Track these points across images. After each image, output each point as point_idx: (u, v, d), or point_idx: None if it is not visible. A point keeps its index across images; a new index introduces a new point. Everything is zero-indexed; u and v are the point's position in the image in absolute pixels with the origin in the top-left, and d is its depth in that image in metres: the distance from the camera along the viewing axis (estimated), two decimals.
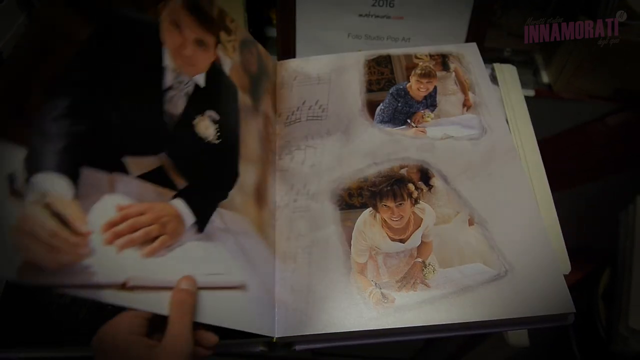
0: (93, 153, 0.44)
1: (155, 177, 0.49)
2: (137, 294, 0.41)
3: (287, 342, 0.54)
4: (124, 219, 0.43)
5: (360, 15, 0.85)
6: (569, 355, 1.05)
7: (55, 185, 0.39)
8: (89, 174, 0.42)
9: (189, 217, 0.50)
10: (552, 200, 0.64)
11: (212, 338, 0.45)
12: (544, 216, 0.60)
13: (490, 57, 0.88)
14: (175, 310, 0.42)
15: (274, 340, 0.52)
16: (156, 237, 0.45)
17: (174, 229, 0.48)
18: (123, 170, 0.47)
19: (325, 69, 0.74)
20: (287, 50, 0.87)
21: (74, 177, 0.41)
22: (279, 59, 0.78)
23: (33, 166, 0.39)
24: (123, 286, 0.40)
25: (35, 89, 0.42)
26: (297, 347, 0.54)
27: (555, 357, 1.10)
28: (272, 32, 0.96)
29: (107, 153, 0.46)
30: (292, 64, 0.76)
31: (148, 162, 0.49)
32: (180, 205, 0.50)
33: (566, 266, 0.59)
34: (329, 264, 0.56)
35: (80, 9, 0.47)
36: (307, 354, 0.99)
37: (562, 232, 0.61)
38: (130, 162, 0.47)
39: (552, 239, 0.58)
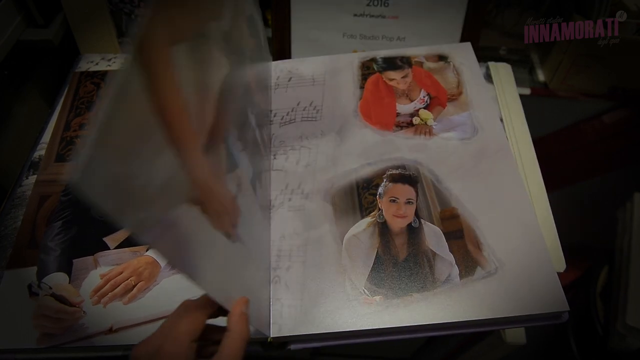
0: (80, 247, 0.60)
1: (130, 241, 0.60)
2: (121, 333, 0.53)
3: (282, 342, 0.54)
4: (106, 282, 0.56)
5: (355, 15, 0.85)
6: (567, 353, 1.05)
7: (56, 280, 0.57)
8: (79, 262, 0.59)
9: (162, 259, 0.58)
10: (546, 199, 0.65)
11: None
12: (538, 214, 0.61)
13: (485, 55, 0.88)
14: (238, 326, 0.40)
15: (269, 340, 0.52)
16: (135, 286, 0.56)
17: (150, 274, 0.57)
18: (104, 247, 0.60)
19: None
20: (282, 50, 0.87)
21: (68, 269, 0.58)
22: (274, 59, 0.79)
23: (41, 274, 0.57)
24: (110, 330, 0.53)
25: (40, 223, 0.62)
26: (292, 347, 0.54)
27: (553, 355, 1.10)
28: (268, 33, 0.96)
29: (90, 242, 0.60)
30: (287, 64, 0.76)
31: (122, 234, 0.61)
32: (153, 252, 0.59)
33: (561, 264, 0.59)
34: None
35: None
36: (305, 354, 0.99)
37: (560, 230, 0.61)
38: (109, 239, 0.61)
39: (546, 237, 0.58)
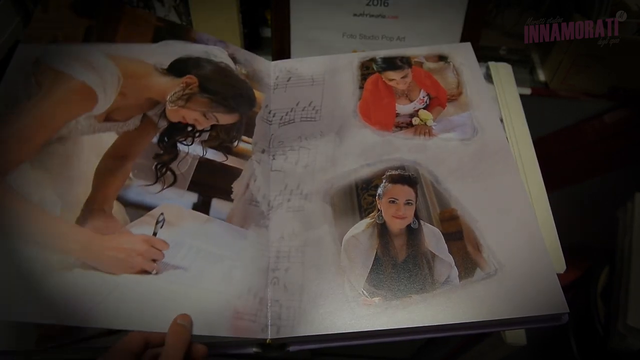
0: None
1: None
2: (121, 335, 0.51)
3: (281, 343, 0.54)
4: None
5: (355, 14, 0.85)
6: (567, 353, 1.04)
7: None
8: None
9: None
10: (546, 199, 0.64)
11: (202, 349, 0.48)
12: (538, 215, 0.61)
13: (486, 55, 0.88)
14: (171, 340, 0.46)
15: (268, 341, 0.52)
16: None
17: None
18: None
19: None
20: (282, 50, 0.87)
21: None
22: (273, 59, 0.79)
23: None
24: (109, 332, 0.51)
25: None
26: (291, 348, 0.54)
27: (554, 355, 1.10)
28: (268, 32, 0.96)
29: None
30: (286, 64, 0.76)
31: None
32: None
33: (561, 265, 0.59)
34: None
35: None
36: (306, 354, 0.99)
37: (560, 230, 0.61)
38: None
39: (546, 237, 0.58)
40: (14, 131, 0.51)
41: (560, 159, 1.04)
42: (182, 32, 0.71)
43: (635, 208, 0.99)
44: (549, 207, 0.64)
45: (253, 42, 0.94)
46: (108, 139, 0.59)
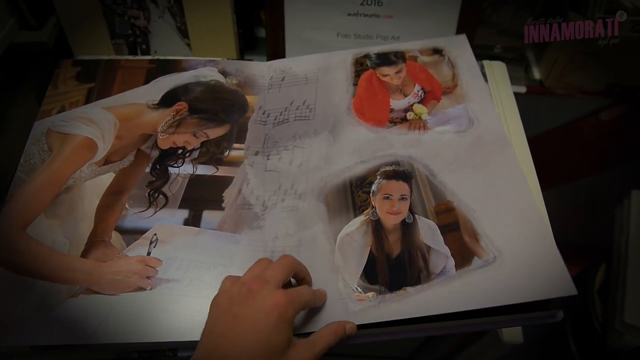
0: None
1: None
2: None
3: None
4: None
5: (349, 14, 0.85)
6: (565, 351, 1.04)
7: None
8: None
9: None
10: (541, 197, 0.64)
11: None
12: None
13: (481, 54, 0.88)
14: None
15: None
16: None
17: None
18: None
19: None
20: (276, 50, 0.87)
21: None
22: (268, 59, 0.78)
23: None
24: None
25: None
26: None
27: (552, 353, 1.10)
28: (263, 33, 0.96)
29: None
30: (280, 64, 0.76)
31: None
32: None
33: None
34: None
35: None
36: None
37: (557, 228, 0.61)
38: None
39: None
40: (31, 191, 0.60)
41: (556, 157, 1.04)
42: (171, 66, 0.76)
43: (631, 205, 0.99)
44: (544, 206, 0.63)
45: (248, 43, 0.94)
46: (107, 178, 0.65)
